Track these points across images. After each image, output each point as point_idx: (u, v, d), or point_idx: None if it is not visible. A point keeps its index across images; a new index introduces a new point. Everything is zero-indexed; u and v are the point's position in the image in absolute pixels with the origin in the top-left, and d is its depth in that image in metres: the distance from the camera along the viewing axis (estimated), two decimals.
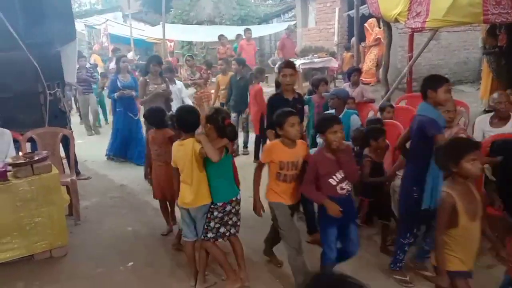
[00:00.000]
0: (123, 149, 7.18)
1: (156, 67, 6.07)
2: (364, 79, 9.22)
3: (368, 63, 10.47)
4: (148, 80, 6.03)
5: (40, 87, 4.91)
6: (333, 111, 5.14)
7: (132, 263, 3.86)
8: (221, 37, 12.17)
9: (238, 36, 11.68)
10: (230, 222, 3.28)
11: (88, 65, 9.92)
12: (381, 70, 7.62)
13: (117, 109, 7.11)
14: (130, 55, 14.55)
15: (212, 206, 3.23)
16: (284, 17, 17.71)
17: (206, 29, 15.80)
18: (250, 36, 11.80)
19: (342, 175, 3.07)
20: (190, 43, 16.64)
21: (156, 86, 6.04)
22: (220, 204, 3.22)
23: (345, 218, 3.05)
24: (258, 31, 14.10)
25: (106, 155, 7.35)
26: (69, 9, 5.40)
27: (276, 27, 15.79)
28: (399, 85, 7.20)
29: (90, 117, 9.69)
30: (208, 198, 3.22)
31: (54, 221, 3.88)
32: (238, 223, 3.35)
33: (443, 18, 5.34)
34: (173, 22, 16.40)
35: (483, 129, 4.34)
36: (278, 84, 4.80)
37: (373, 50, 10.23)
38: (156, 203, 5.21)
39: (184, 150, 3.18)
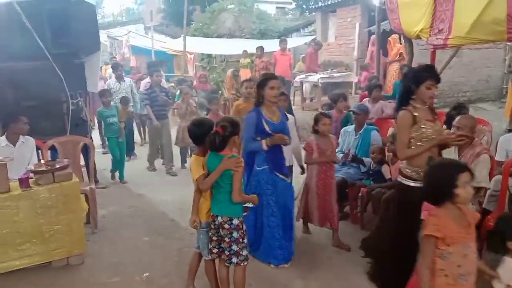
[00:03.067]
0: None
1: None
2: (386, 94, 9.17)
3: (390, 78, 10.39)
4: None
5: (63, 96, 5.02)
6: (352, 126, 5.13)
7: (147, 273, 3.86)
8: (258, 49, 11.73)
9: (258, 48, 11.66)
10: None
11: (108, 79, 9.16)
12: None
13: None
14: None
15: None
16: (303, 32, 17.80)
17: (226, 42, 15.96)
18: (286, 47, 11.47)
19: None
20: (209, 55, 16.82)
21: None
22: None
23: None
24: (276, 45, 14.15)
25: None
26: (95, 20, 5.51)
27: (296, 41, 15.85)
28: None
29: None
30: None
31: (72, 229, 3.92)
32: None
33: (466, 35, 5.26)
34: (193, 35, 16.63)
35: (506, 148, 4.26)
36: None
37: (394, 65, 10.15)
38: (172, 214, 5.28)
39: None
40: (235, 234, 3.06)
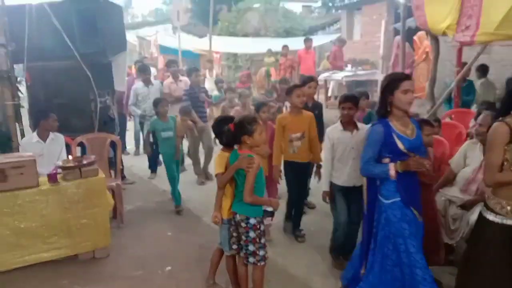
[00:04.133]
0: None
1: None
2: (416, 94, 9.01)
3: (420, 78, 10.19)
4: None
5: (91, 95, 5.18)
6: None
7: (170, 267, 3.96)
8: (284, 47, 11.72)
9: (284, 47, 11.66)
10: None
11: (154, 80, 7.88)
12: (427, 83, 7.41)
13: None
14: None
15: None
16: (329, 30, 17.68)
17: (252, 41, 16.04)
18: (311, 45, 11.52)
19: None
20: (235, 54, 16.94)
21: None
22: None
23: None
24: (301, 44, 14.12)
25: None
26: (121, 21, 5.67)
27: (321, 39, 15.76)
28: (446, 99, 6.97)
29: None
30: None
31: (98, 223, 4.05)
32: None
33: (495, 31, 5.12)
34: (219, 34, 16.79)
35: None
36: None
37: (422, 66, 9.95)
38: (196, 210, 5.37)
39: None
40: (251, 234, 3.06)
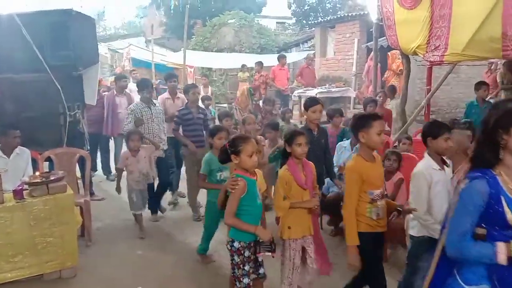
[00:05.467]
0: None
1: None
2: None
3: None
4: None
5: (61, 108, 5.03)
6: (348, 141, 5.14)
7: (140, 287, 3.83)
8: (257, 63, 11.75)
9: (258, 63, 11.75)
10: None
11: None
12: (399, 101, 7.59)
13: None
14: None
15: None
16: (303, 47, 17.95)
17: (226, 56, 16.10)
18: (285, 62, 11.60)
19: None
20: (209, 69, 16.94)
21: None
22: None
23: None
24: (275, 60, 14.27)
25: None
26: (94, 34, 5.57)
27: (295, 56, 15.98)
28: (416, 117, 7.14)
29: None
30: None
31: (65, 241, 3.89)
32: None
33: (462, 52, 5.33)
34: (194, 49, 16.78)
35: None
36: None
37: (393, 81, 10.17)
38: (168, 228, 5.24)
39: None
40: (236, 258, 2.91)
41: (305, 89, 11.01)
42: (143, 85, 5.65)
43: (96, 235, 4.92)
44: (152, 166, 5.30)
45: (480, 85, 5.80)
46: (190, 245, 4.78)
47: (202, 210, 5.67)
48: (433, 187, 2.93)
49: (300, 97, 10.66)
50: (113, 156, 7.72)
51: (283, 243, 3.24)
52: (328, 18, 14.20)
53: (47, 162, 5.10)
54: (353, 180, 2.88)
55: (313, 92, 10.23)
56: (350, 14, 13.00)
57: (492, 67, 8.59)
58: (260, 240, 2.85)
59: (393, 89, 8.02)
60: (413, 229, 3.09)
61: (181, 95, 6.43)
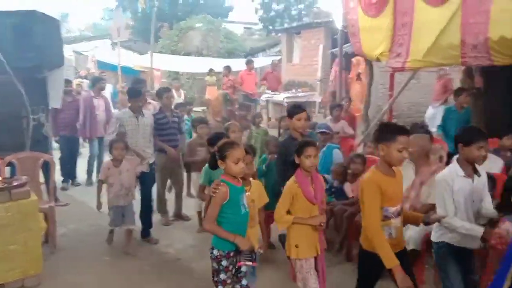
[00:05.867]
0: None
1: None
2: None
3: (354, 98, 10.66)
4: None
5: (23, 111, 4.88)
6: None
7: None
8: (225, 68, 11.79)
9: (226, 67, 11.79)
10: None
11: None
12: (362, 106, 7.83)
13: None
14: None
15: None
16: (269, 52, 18.14)
17: (194, 60, 16.05)
18: (252, 67, 11.63)
19: None
20: (176, 72, 16.84)
21: None
22: None
23: None
24: (243, 65, 14.36)
25: None
26: (59, 35, 5.44)
27: (262, 61, 16.12)
28: (379, 121, 7.37)
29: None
30: None
31: (28, 249, 3.78)
32: None
33: (423, 59, 5.55)
34: (160, 52, 16.63)
35: None
36: None
37: (356, 85, 10.43)
38: (135, 232, 5.16)
39: None
40: (214, 265, 2.85)
41: (272, 93, 11.13)
42: (134, 93, 5.19)
43: (61, 241, 4.79)
44: (134, 181, 4.88)
45: (460, 91, 6.02)
46: (158, 250, 4.75)
47: (170, 214, 5.67)
48: (454, 195, 2.83)
49: (267, 101, 10.76)
50: (86, 160, 7.57)
51: (292, 263, 3.12)
52: (294, 25, 14.42)
53: (8, 167, 4.93)
54: (372, 192, 2.60)
55: (280, 97, 10.36)
56: (315, 21, 13.26)
57: (441, 73, 8.97)
58: (241, 250, 2.77)
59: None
60: (434, 234, 3.02)
61: (152, 101, 6.32)
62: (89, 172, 7.49)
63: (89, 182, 7.40)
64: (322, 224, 3.05)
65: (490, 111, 6.77)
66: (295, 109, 3.95)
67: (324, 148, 5.03)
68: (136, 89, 5.47)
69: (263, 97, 11.22)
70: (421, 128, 5.49)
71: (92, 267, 4.32)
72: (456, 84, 12.27)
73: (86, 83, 13.50)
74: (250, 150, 3.53)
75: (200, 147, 5.20)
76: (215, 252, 2.83)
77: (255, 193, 3.06)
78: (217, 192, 2.73)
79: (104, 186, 4.73)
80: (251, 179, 3.38)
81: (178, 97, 9.80)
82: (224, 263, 2.82)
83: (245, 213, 2.86)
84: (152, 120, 5.27)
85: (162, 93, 5.60)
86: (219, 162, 2.81)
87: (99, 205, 4.77)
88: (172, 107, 6.03)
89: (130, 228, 4.67)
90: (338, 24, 7.54)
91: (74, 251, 4.64)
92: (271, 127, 10.31)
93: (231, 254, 2.81)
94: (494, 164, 4.30)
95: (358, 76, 10.36)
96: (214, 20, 18.18)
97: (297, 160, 3.06)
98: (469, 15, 4.84)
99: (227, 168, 2.78)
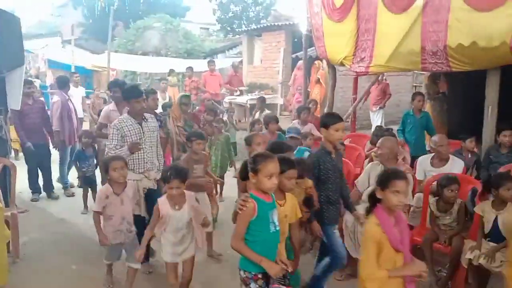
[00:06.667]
0: None
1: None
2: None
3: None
4: None
5: None
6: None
7: None
8: (188, 69, 11.59)
9: (188, 68, 11.64)
10: None
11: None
12: (325, 109, 7.99)
13: None
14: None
15: None
16: (229, 53, 18.12)
17: (152, 60, 15.76)
18: (214, 68, 11.50)
19: None
20: (133, 72, 16.46)
21: None
22: None
23: None
24: (203, 65, 14.26)
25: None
26: (19, 33, 5.15)
27: (222, 63, 16.09)
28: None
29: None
30: None
31: None
32: None
33: (386, 64, 5.78)
34: (116, 51, 16.19)
35: (424, 168, 4.68)
36: None
37: (315, 89, 10.63)
38: None
39: None
40: (243, 287, 2.63)
41: (237, 95, 11.13)
42: (134, 93, 4.13)
43: (24, 250, 4.55)
44: (140, 201, 4.05)
45: (415, 95, 6.26)
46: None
47: None
48: None
49: (231, 103, 10.75)
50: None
51: None
52: (255, 27, 14.49)
53: None
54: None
55: (244, 99, 10.37)
56: (276, 24, 13.38)
57: (379, 78, 9.35)
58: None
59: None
60: None
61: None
62: (64, 180, 6.97)
63: (68, 193, 6.85)
64: (423, 274, 2.41)
65: (453, 115, 7.17)
66: (332, 119, 3.42)
67: (295, 151, 5.09)
68: (135, 88, 4.40)
69: (226, 99, 11.19)
70: (387, 131, 5.75)
71: (59, 277, 4.13)
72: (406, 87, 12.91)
73: (38, 82, 12.92)
74: (300, 165, 3.13)
75: (196, 164, 4.40)
76: (242, 273, 2.61)
77: (288, 208, 2.82)
78: (244, 208, 2.50)
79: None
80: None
81: (163, 100, 9.08)
82: (252, 286, 2.58)
83: (274, 232, 2.59)
84: (157, 123, 4.46)
85: (148, 95, 5.23)
86: (250, 175, 2.56)
87: (103, 240, 3.64)
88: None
89: (135, 268, 3.74)
90: (301, 28, 7.68)
91: (39, 261, 4.43)
92: (239, 126, 10.29)
93: (259, 276, 2.56)
94: (455, 165, 4.54)
95: (318, 80, 10.59)
96: (172, 20, 17.94)
97: (379, 195, 2.45)
98: (429, 23, 5.10)
99: (258, 183, 2.53)
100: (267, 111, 7.69)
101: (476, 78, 5.02)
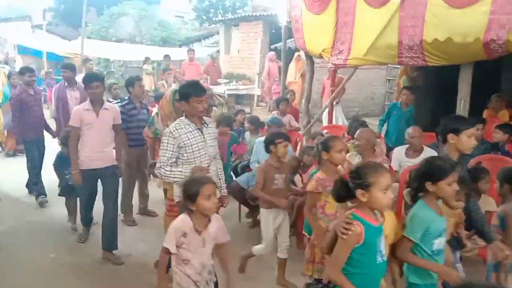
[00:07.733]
0: None
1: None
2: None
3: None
4: None
5: None
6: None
7: None
8: (166, 57, 11.37)
9: (166, 56, 11.47)
10: None
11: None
12: (303, 100, 8.08)
13: None
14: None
15: None
16: (205, 42, 17.96)
17: (127, 47, 15.44)
18: (193, 57, 11.32)
19: None
20: (107, 60, 16.09)
21: None
22: None
23: None
24: (179, 54, 14.08)
25: None
26: None
27: (198, 52, 15.95)
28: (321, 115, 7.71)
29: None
30: None
31: None
32: None
33: (363, 57, 5.87)
34: (89, 37, 15.77)
35: (399, 159, 4.84)
36: None
37: (298, 82, 10.70)
38: (79, 228, 4.87)
39: None
40: None
41: (212, 86, 11.08)
42: (193, 91, 3.28)
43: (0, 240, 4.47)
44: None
45: (404, 89, 6.37)
46: None
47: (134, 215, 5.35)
48: None
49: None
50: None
51: None
52: (232, 16, 14.39)
53: None
54: None
55: (222, 89, 10.35)
56: (254, 14, 13.36)
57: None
58: None
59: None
60: None
61: (108, 104, 4.58)
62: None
63: (42, 202, 5.82)
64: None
65: (431, 108, 7.35)
66: (464, 123, 3.05)
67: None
68: (196, 84, 3.49)
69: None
70: (363, 123, 5.88)
71: (38, 266, 4.08)
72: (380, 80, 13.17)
73: (7, 68, 12.44)
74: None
75: (278, 173, 3.73)
76: None
77: (388, 227, 2.36)
78: (349, 233, 2.05)
79: None
80: None
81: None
82: None
83: (381, 264, 2.15)
84: (216, 129, 3.70)
85: (133, 82, 5.08)
86: (359, 192, 2.09)
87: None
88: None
89: None
90: (279, 19, 7.71)
91: (15, 250, 4.36)
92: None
93: None
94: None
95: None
96: (147, 7, 17.59)
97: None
98: (406, 18, 5.20)
99: (371, 200, 2.08)
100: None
101: (450, 73, 5.18)
